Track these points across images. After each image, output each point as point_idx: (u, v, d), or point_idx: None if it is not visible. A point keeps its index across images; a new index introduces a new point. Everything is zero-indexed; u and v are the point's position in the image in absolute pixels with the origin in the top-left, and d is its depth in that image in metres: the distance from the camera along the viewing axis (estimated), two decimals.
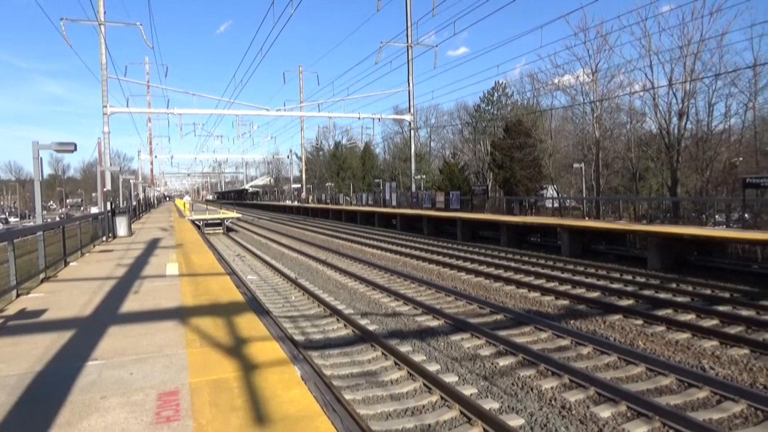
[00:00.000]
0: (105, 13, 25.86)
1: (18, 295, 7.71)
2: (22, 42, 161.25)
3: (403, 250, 20.34)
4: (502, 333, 8.39)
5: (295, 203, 60.89)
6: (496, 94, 50.81)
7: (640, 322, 9.06)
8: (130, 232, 18.72)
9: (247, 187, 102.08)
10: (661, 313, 9.47)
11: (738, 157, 29.37)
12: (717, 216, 21.81)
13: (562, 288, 12.10)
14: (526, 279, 13.32)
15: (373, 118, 37.80)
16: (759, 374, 6.59)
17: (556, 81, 39.53)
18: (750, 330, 8.45)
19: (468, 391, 6.12)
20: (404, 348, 7.82)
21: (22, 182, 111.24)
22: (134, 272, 9.88)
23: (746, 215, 18.14)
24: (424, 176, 47.89)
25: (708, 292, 11.26)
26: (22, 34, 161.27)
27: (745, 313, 9.45)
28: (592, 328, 8.88)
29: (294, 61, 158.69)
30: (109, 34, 27.96)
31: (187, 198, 54.44)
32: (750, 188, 16.44)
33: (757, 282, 11.97)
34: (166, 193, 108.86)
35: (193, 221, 29.94)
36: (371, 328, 9.03)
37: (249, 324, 5.71)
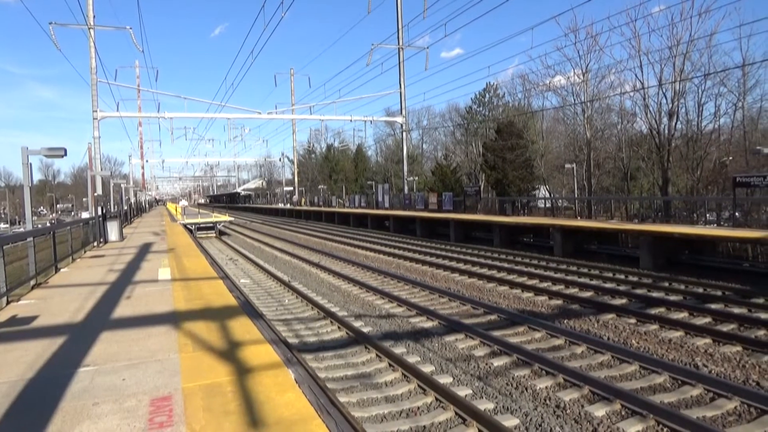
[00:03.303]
0: (94, 17, 25.79)
1: (8, 302, 7.63)
2: (13, 47, 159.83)
3: (397, 251, 20.34)
4: (496, 333, 8.40)
5: (288, 206, 60.75)
6: (487, 96, 50.95)
7: (633, 320, 9.11)
8: (122, 237, 18.59)
9: (239, 190, 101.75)
10: (653, 311, 9.52)
11: (728, 156, 29.59)
12: (708, 215, 21.97)
13: (555, 288, 12.15)
14: (520, 279, 13.36)
15: (365, 121, 37.87)
16: (752, 371, 6.64)
17: (547, 82, 39.73)
18: (742, 327, 8.52)
19: (463, 391, 6.12)
20: (399, 350, 7.81)
21: (12, 188, 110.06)
22: (126, 277, 9.81)
23: (737, 214, 18.30)
24: (416, 178, 47.93)
25: (700, 290, 11.34)
26: (12, 39, 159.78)
27: (737, 310, 9.52)
28: (585, 328, 8.92)
29: (285, 64, 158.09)
30: (98, 38, 27.81)
31: (183, 202, 53.67)
32: (740, 187, 16.62)
33: (748, 280, 12.08)
34: (157, 197, 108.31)
35: (185, 225, 29.77)
36: (365, 330, 9.02)
37: (242, 328, 5.68)
